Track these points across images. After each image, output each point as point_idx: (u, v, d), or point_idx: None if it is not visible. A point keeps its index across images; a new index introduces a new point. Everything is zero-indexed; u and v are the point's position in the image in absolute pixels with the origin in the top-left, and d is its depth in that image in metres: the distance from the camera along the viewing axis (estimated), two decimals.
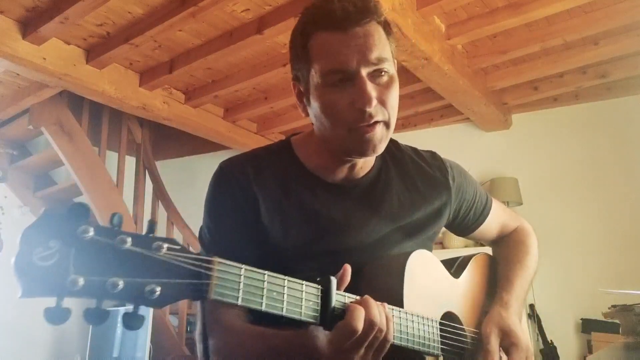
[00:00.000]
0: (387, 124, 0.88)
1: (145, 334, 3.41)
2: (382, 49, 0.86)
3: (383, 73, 0.86)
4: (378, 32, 0.86)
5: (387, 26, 0.89)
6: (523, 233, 1.22)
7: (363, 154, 0.90)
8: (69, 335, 4.06)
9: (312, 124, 0.96)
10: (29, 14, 2.75)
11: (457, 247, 3.36)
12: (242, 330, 0.86)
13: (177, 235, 4.04)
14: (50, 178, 4.43)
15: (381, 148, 0.90)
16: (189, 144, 4.64)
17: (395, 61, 0.92)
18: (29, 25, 2.79)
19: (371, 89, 0.84)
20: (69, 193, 4.07)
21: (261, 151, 1.00)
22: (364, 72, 0.84)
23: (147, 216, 4.09)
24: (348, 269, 0.76)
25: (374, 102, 0.84)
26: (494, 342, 0.97)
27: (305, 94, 0.91)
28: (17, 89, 3.57)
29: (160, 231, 4.05)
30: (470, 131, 3.94)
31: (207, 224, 0.94)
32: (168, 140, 4.72)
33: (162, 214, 4.08)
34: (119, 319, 3.63)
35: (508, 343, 0.97)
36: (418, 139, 3.46)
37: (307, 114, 0.93)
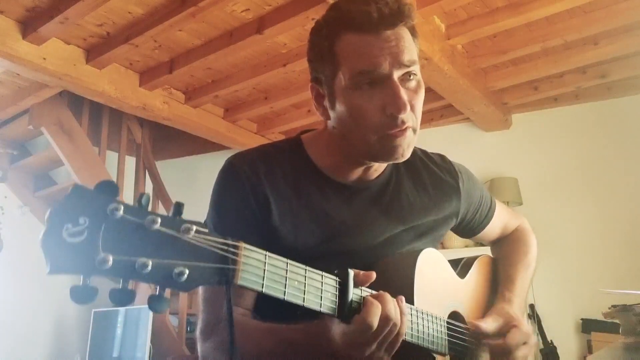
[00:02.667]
0: (414, 130, 0.87)
1: (145, 334, 3.41)
2: (412, 51, 0.85)
3: (412, 77, 0.85)
4: (407, 35, 0.85)
5: (414, 30, 0.88)
6: (523, 232, 1.23)
7: (391, 159, 0.89)
8: (69, 335, 4.06)
9: (324, 123, 0.94)
10: (29, 14, 2.74)
11: (457, 247, 3.35)
12: (250, 326, 0.85)
13: None
14: (50, 178, 4.42)
15: (409, 153, 0.89)
16: (189, 144, 4.64)
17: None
18: (29, 25, 2.78)
19: (404, 94, 0.83)
20: None
21: (271, 148, 0.98)
22: (396, 75, 0.83)
23: None
24: (373, 275, 0.75)
25: (408, 107, 0.83)
26: (491, 323, 0.96)
27: (328, 97, 0.89)
28: (17, 89, 3.57)
29: None
30: (470, 131, 3.93)
31: (212, 219, 0.92)
32: (168, 140, 4.72)
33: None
34: (120, 319, 3.64)
35: (509, 326, 0.97)
36: (418, 138, 3.45)
37: (327, 117, 0.91)
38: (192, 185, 4.33)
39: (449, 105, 3.61)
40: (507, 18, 2.69)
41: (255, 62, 3.29)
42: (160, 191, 4.12)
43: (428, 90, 3.45)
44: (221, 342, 0.85)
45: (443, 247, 3.43)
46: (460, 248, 3.33)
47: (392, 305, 0.74)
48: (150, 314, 3.38)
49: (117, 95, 3.30)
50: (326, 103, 0.90)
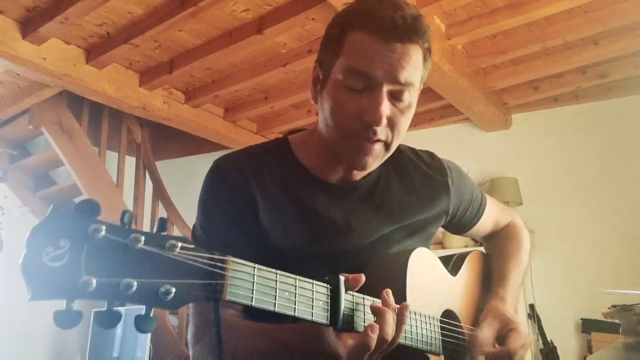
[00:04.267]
0: (387, 145, 0.86)
1: (145, 334, 3.41)
2: (414, 72, 0.83)
3: (404, 98, 0.83)
4: (416, 55, 0.83)
5: (427, 53, 0.86)
6: (515, 228, 1.23)
7: (352, 165, 0.89)
8: (69, 335, 4.06)
9: (314, 124, 0.94)
10: (29, 14, 2.75)
11: (457, 247, 3.35)
12: (242, 327, 0.85)
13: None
14: (50, 178, 4.42)
15: (373, 166, 0.88)
16: (189, 144, 4.64)
17: (421, 87, 0.90)
18: (29, 25, 2.79)
19: (386, 108, 0.81)
20: (69, 193, 4.07)
21: (258, 149, 0.98)
22: (387, 87, 0.81)
23: (147, 216, 4.10)
24: (362, 277, 0.74)
25: (384, 122, 0.82)
26: (486, 329, 0.96)
27: (321, 82, 0.89)
28: (17, 89, 3.57)
29: None
30: (470, 131, 3.93)
31: (201, 223, 0.92)
32: (168, 140, 4.72)
33: (162, 214, 4.07)
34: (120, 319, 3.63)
35: (507, 329, 0.97)
36: (418, 139, 3.46)
37: (316, 101, 0.91)
38: (192, 185, 4.30)
39: (449, 105, 3.61)
40: (507, 18, 2.69)
41: (255, 62, 3.29)
42: (160, 191, 4.12)
43: (428, 90, 3.46)
44: (212, 345, 0.84)
45: (443, 247, 3.43)
46: (460, 248, 3.33)
47: (391, 322, 0.72)
48: (150, 314, 3.37)
49: (117, 95, 3.30)
50: (319, 87, 0.90)
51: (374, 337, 0.70)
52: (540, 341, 3.27)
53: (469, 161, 2.99)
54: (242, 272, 0.61)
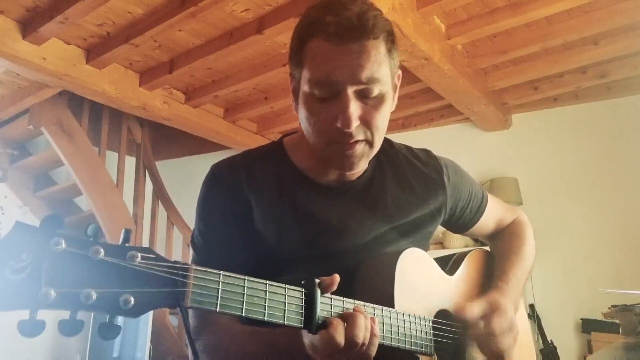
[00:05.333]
0: (370, 143, 0.86)
1: (145, 334, 3.41)
2: (377, 68, 0.81)
3: (373, 94, 0.82)
4: (375, 49, 0.81)
5: (389, 41, 0.83)
6: (519, 225, 1.21)
7: (341, 169, 0.89)
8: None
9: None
10: (29, 14, 2.75)
11: (458, 247, 3.35)
12: (235, 329, 0.86)
13: (177, 236, 4.04)
14: (50, 178, 4.42)
15: (361, 165, 0.88)
16: (189, 144, 4.64)
17: (399, 73, 0.89)
18: (29, 25, 2.79)
19: (355, 108, 0.81)
20: (69, 193, 4.08)
21: (253, 153, 0.98)
22: (350, 90, 0.81)
23: (147, 216, 4.10)
24: (336, 278, 0.74)
25: (355, 123, 0.81)
26: (475, 309, 0.93)
27: (295, 92, 0.90)
28: (17, 89, 3.57)
29: (161, 231, 4.05)
30: (470, 131, 3.94)
31: (199, 228, 0.94)
32: (168, 140, 4.72)
33: (162, 214, 4.08)
34: (120, 319, 3.63)
35: (491, 310, 0.94)
36: (418, 139, 3.47)
37: (296, 110, 0.91)
38: (192, 185, 4.30)
39: (449, 105, 3.61)
40: (507, 18, 2.69)
41: (255, 62, 3.29)
42: (160, 191, 4.12)
43: (428, 90, 3.46)
44: (206, 346, 0.86)
45: (443, 247, 3.44)
46: (461, 248, 3.33)
47: (361, 326, 0.72)
48: (150, 313, 3.38)
49: (117, 95, 3.30)
50: (295, 97, 0.90)
51: (340, 331, 0.70)
52: (540, 341, 3.27)
53: (469, 161, 2.99)
54: (207, 279, 0.63)
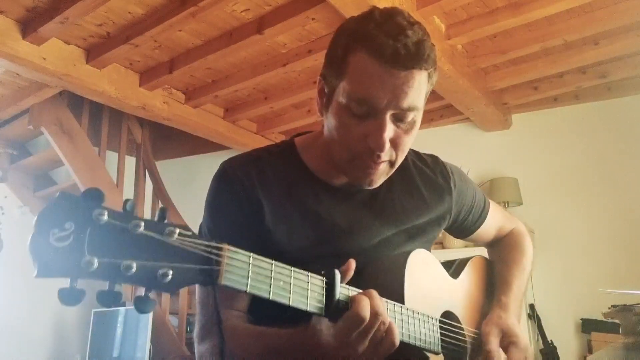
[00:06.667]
0: (392, 163, 0.88)
1: (145, 334, 3.41)
2: (417, 96, 0.82)
3: (408, 120, 0.84)
4: (420, 78, 0.81)
5: (432, 72, 0.84)
6: (519, 235, 1.23)
7: (360, 184, 0.90)
8: (69, 335, 4.06)
9: (321, 126, 0.95)
10: (29, 14, 2.75)
11: (457, 247, 3.35)
12: (243, 331, 0.86)
13: None
14: (50, 178, 4.43)
15: (378, 183, 0.90)
16: (189, 144, 4.64)
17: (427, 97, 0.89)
18: (29, 25, 2.79)
19: (390, 131, 0.82)
20: None
21: (264, 152, 0.98)
22: (389, 114, 0.81)
23: (147, 216, 4.09)
24: (352, 263, 0.76)
25: (387, 147, 0.83)
26: (494, 341, 0.97)
27: (326, 98, 0.89)
28: (17, 89, 3.57)
29: None
30: (470, 131, 3.94)
31: (207, 224, 0.94)
32: (168, 140, 4.72)
33: None
34: (120, 319, 3.64)
35: (507, 342, 0.97)
36: (418, 139, 3.45)
37: (322, 114, 0.91)
38: (192, 185, 4.33)
39: (449, 105, 3.61)
40: (507, 18, 2.69)
41: (255, 62, 3.29)
42: (160, 191, 4.12)
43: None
44: (214, 346, 0.87)
45: (443, 248, 3.43)
46: (460, 248, 3.33)
47: (381, 302, 0.74)
48: (150, 313, 3.38)
49: (117, 95, 3.30)
50: (324, 102, 0.90)
51: (365, 305, 0.71)
52: (540, 341, 3.27)
53: (469, 161, 2.99)
54: (238, 259, 0.64)
